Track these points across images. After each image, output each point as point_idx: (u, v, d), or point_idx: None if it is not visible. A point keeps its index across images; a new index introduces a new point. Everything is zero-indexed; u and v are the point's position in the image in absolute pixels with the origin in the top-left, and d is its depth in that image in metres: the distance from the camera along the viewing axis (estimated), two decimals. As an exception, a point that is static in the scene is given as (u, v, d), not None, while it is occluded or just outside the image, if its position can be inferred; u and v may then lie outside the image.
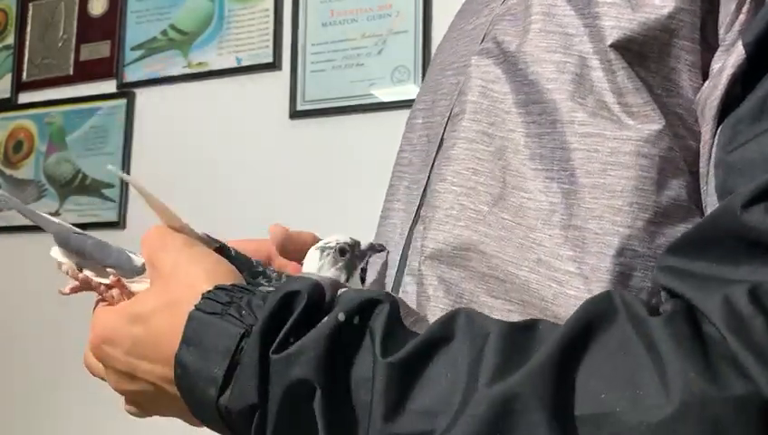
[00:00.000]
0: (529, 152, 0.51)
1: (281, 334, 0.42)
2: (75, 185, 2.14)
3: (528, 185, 0.50)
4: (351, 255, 0.55)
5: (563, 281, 0.47)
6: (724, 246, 0.38)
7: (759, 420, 0.33)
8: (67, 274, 0.59)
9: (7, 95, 2.29)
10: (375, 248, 0.57)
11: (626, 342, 0.37)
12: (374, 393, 0.39)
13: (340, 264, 0.54)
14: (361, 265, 0.56)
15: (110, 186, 2.08)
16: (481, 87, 0.54)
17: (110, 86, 2.13)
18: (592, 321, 0.38)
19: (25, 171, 2.23)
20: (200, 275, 0.48)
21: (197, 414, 0.46)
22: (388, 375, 0.40)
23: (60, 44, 2.24)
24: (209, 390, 0.44)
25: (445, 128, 0.57)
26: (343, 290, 0.45)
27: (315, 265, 0.54)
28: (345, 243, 0.55)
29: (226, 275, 0.49)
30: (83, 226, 2.12)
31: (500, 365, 0.38)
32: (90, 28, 2.19)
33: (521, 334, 0.40)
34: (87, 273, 0.59)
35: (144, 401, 0.53)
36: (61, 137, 2.19)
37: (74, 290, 0.60)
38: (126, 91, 2.10)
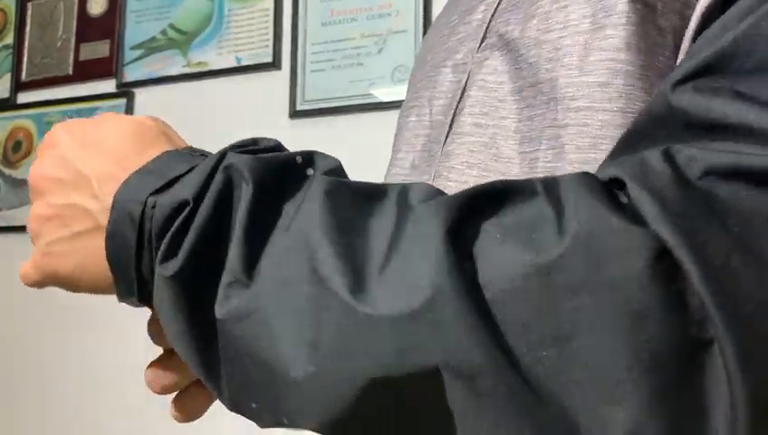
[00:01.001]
0: (519, 136, 0.50)
1: (252, 148, 0.41)
2: (75, 185, 2.14)
3: (513, 170, 0.50)
4: None
5: None
6: (656, 136, 0.36)
7: (646, 259, 0.30)
8: None
9: (6, 95, 2.29)
10: None
11: (532, 196, 0.35)
12: (305, 203, 0.37)
13: None
14: None
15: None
16: (480, 80, 0.54)
17: (109, 86, 2.13)
18: (507, 188, 0.36)
19: (25, 171, 2.23)
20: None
21: (113, 226, 0.41)
22: (325, 192, 0.37)
23: (59, 44, 2.24)
24: (143, 190, 0.40)
25: (449, 128, 0.56)
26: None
27: None
28: None
29: None
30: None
31: (420, 199, 0.37)
32: (89, 28, 2.19)
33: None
34: None
35: (57, 197, 0.44)
36: (60, 137, 2.19)
37: None
38: (125, 91, 2.10)
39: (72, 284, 0.46)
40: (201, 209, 0.38)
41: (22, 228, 2.19)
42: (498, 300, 0.32)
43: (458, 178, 0.52)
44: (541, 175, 0.48)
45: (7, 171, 2.26)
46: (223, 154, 0.40)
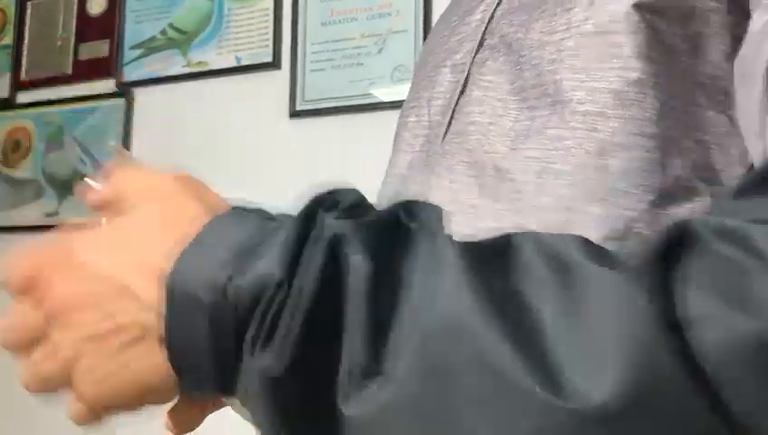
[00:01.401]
0: (513, 134, 0.50)
1: (333, 211, 0.34)
2: (74, 185, 2.14)
3: (511, 166, 0.49)
4: None
5: None
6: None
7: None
8: None
9: (6, 95, 2.28)
10: None
11: (722, 255, 0.30)
12: (442, 269, 0.32)
13: None
14: None
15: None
16: (479, 80, 0.54)
17: (109, 85, 2.13)
18: (682, 237, 0.31)
19: (24, 171, 2.23)
20: (217, 205, 0.39)
21: (176, 320, 0.34)
22: (462, 257, 0.32)
23: (59, 44, 2.23)
24: (214, 270, 0.33)
25: (447, 127, 0.56)
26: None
27: None
28: None
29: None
30: (82, 225, 2.13)
31: (591, 259, 0.31)
32: (88, 27, 2.19)
33: (599, 247, 0.33)
34: None
35: (89, 314, 0.37)
36: (59, 136, 2.18)
37: None
38: (125, 91, 2.10)
39: (132, 402, 0.39)
40: (301, 288, 0.32)
41: (22, 228, 2.19)
42: (723, 377, 0.27)
43: (458, 179, 0.52)
44: (535, 172, 0.47)
45: (6, 171, 2.26)
46: (308, 217, 0.34)
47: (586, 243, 0.32)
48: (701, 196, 0.46)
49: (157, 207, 0.38)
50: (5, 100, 2.28)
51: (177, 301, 0.34)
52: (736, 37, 0.46)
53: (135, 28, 2.12)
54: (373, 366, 0.31)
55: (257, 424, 0.35)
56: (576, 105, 0.47)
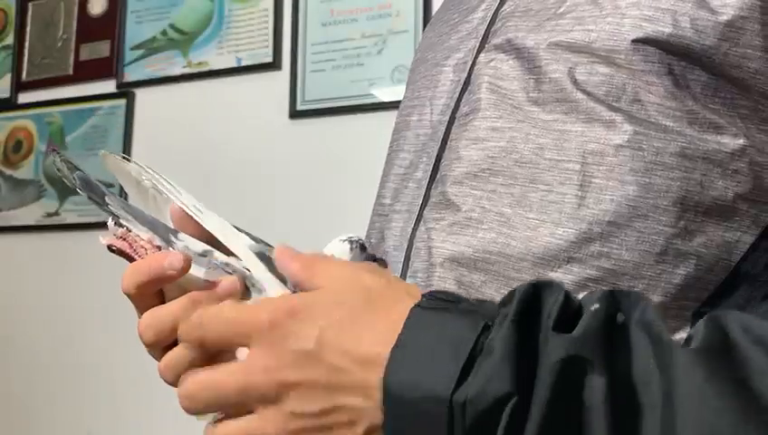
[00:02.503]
0: (543, 142, 0.50)
1: (546, 317, 0.35)
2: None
3: (547, 177, 0.49)
4: (367, 254, 0.55)
5: (599, 279, 0.47)
6: None
7: None
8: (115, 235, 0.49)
9: (7, 95, 2.29)
10: (374, 257, 0.57)
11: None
12: (676, 383, 0.32)
13: (362, 257, 0.55)
14: None
15: (109, 186, 2.07)
16: (489, 83, 0.53)
17: (109, 86, 2.13)
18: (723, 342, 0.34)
19: (25, 171, 2.23)
20: (411, 290, 0.40)
21: (401, 425, 0.35)
22: (695, 362, 0.33)
23: (59, 44, 2.24)
24: (438, 386, 0.34)
25: (447, 126, 0.56)
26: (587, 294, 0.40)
27: (347, 256, 0.54)
28: (362, 240, 0.55)
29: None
30: (83, 226, 2.12)
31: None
32: (89, 28, 2.19)
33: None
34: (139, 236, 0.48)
35: (308, 404, 0.37)
36: (60, 137, 2.19)
37: (113, 246, 0.48)
38: (126, 91, 2.10)
39: None
40: (537, 406, 0.33)
41: (22, 228, 2.19)
42: None
43: (483, 187, 0.52)
44: (576, 185, 0.48)
45: (7, 171, 2.26)
46: (523, 325, 0.34)
47: None
48: (738, 215, 0.48)
49: (360, 290, 0.39)
50: (7, 100, 2.28)
51: (401, 410, 0.35)
52: None
53: (135, 29, 2.12)
54: None
55: None
56: (620, 125, 0.48)
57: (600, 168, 0.48)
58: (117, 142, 2.07)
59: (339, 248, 0.54)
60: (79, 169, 0.51)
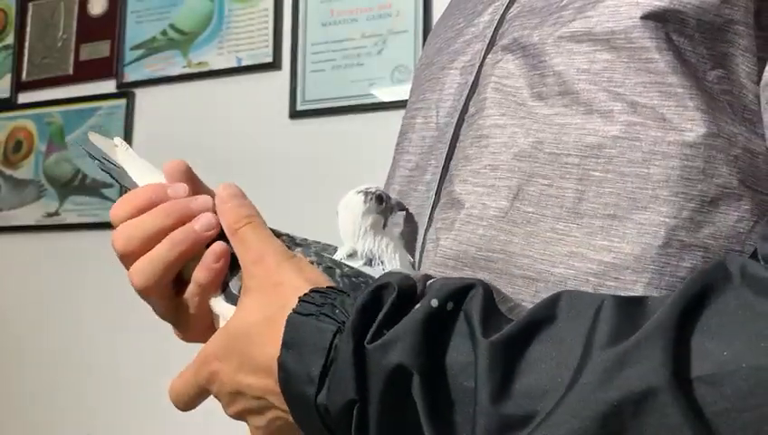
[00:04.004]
0: (542, 136, 0.50)
1: (374, 326, 0.42)
2: (75, 185, 2.14)
3: (547, 171, 0.49)
4: (386, 205, 0.55)
5: (600, 273, 0.47)
6: None
7: None
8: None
9: (7, 95, 2.29)
10: (401, 206, 0.57)
11: (745, 304, 0.36)
12: (478, 375, 0.39)
13: (380, 209, 0.54)
14: (390, 218, 0.55)
15: (109, 186, 2.08)
16: (494, 83, 0.53)
17: (109, 86, 2.13)
18: (706, 287, 0.38)
19: (25, 171, 2.23)
20: (302, 287, 0.47)
21: (300, 420, 0.45)
22: (491, 355, 0.39)
23: (59, 44, 2.24)
24: (308, 390, 0.43)
25: (455, 128, 0.56)
26: (432, 280, 0.45)
27: (360, 208, 0.54)
28: (381, 190, 0.55)
29: (325, 282, 0.49)
30: (83, 226, 2.13)
31: (613, 332, 0.37)
32: (89, 28, 2.19)
33: (630, 305, 0.39)
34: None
35: (257, 420, 0.50)
36: (60, 137, 2.19)
37: None
38: (126, 91, 2.10)
39: None
40: (372, 407, 0.41)
41: (22, 228, 2.19)
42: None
43: (484, 183, 0.52)
44: (576, 179, 0.48)
45: (7, 171, 2.26)
46: (358, 336, 0.42)
47: (617, 306, 0.40)
48: (746, 203, 0.47)
49: (257, 300, 0.49)
50: (7, 100, 2.28)
51: (294, 409, 0.45)
52: (762, 59, 0.47)
53: (135, 29, 2.12)
54: None
55: None
56: (617, 115, 0.48)
57: (599, 160, 0.48)
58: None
59: (354, 200, 0.54)
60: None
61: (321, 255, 0.52)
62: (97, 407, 2.02)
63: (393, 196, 0.60)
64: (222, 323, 0.51)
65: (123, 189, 0.55)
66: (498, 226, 0.50)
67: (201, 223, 0.51)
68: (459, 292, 0.42)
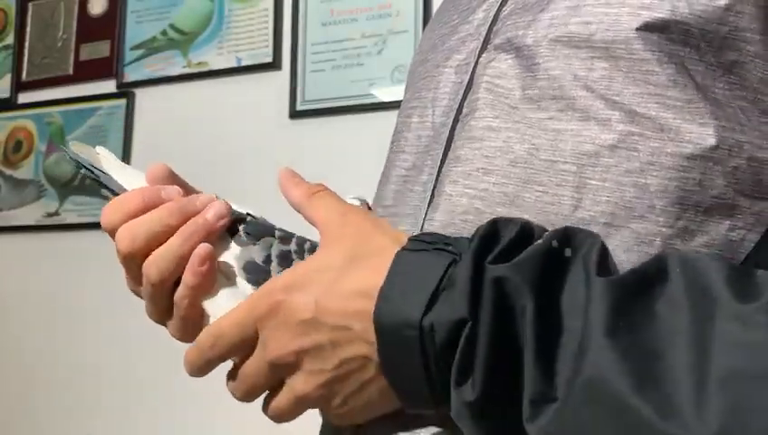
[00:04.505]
0: (538, 142, 0.50)
1: (496, 250, 0.41)
2: (75, 185, 2.14)
3: (542, 178, 0.49)
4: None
5: None
6: None
7: None
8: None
9: (7, 95, 2.29)
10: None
11: None
12: (591, 310, 0.38)
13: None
14: None
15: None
16: (487, 83, 0.53)
17: (109, 86, 2.13)
18: None
19: (25, 171, 2.23)
20: (399, 237, 0.46)
21: (390, 354, 0.42)
22: (606, 293, 0.38)
23: (59, 44, 2.24)
24: (413, 310, 0.41)
25: (451, 129, 0.56)
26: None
27: None
28: (367, 203, 0.56)
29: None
30: (83, 226, 2.13)
31: (732, 293, 0.37)
32: (89, 28, 2.19)
33: (741, 273, 0.39)
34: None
35: (322, 362, 0.45)
36: (60, 137, 2.19)
37: None
38: (126, 91, 2.10)
39: (369, 416, 0.48)
40: (483, 329, 0.40)
41: (22, 228, 2.19)
42: None
43: (476, 186, 0.51)
44: (573, 186, 0.48)
45: (7, 171, 2.26)
46: (477, 258, 0.41)
47: (730, 269, 0.39)
48: (740, 212, 0.47)
49: (349, 243, 0.46)
50: (7, 100, 2.28)
51: (391, 342, 0.42)
52: None
53: (135, 28, 2.12)
54: (549, 393, 0.38)
55: None
56: (615, 124, 0.48)
57: (596, 169, 0.48)
58: (117, 142, 2.07)
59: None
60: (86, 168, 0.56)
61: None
62: (97, 407, 2.01)
63: (389, 195, 0.59)
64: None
65: (111, 195, 0.55)
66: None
67: (213, 211, 0.51)
68: (579, 240, 0.43)
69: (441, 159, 0.55)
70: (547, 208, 0.48)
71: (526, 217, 0.49)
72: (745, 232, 0.47)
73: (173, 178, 0.55)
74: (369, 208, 0.55)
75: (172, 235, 0.50)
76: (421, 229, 0.54)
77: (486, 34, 0.55)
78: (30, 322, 2.15)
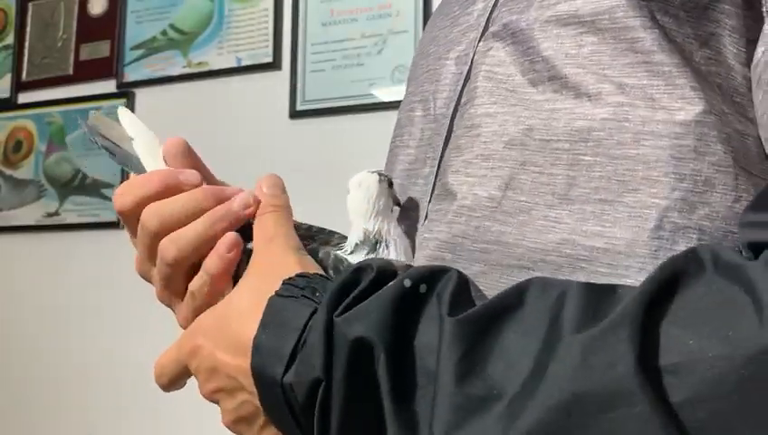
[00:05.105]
0: (531, 123, 0.49)
1: (346, 300, 0.42)
2: (75, 185, 2.14)
3: (537, 158, 0.48)
4: (394, 191, 0.56)
5: (592, 259, 0.45)
6: None
7: None
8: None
9: (7, 95, 2.29)
10: (397, 201, 0.57)
11: (716, 291, 0.36)
12: (442, 353, 0.38)
13: (391, 193, 0.55)
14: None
15: (109, 186, 2.08)
16: (485, 71, 0.53)
17: (109, 86, 2.13)
18: (676, 275, 0.37)
19: (25, 171, 2.23)
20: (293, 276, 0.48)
21: (267, 403, 0.44)
22: (457, 334, 0.38)
23: (59, 44, 2.24)
24: (276, 367, 0.42)
25: (451, 119, 0.56)
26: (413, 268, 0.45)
27: (375, 188, 0.53)
28: (390, 177, 0.55)
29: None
30: (83, 226, 2.13)
31: (580, 320, 0.37)
32: (89, 28, 2.19)
33: (599, 292, 0.39)
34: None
35: (228, 403, 0.49)
36: (60, 137, 2.19)
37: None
38: (126, 91, 2.10)
39: None
40: (336, 387, 0.40)
41: (22, 228, 2.19)
42: (689, 400, 0.33)
43: (475, 173, 0.51)
44: (566, 164, 0.47)
45: (8, 171, 2.26)
46: (329, 313, 0.42)
47: (584, 296, 0.39)
48: (743, 183, 0.45)
49: (255, 282, 0.49)
50: (7, 100, 2.28)
51: (263, 392, 0.44)
52: (751, 41, 0.46)
53: (135, 28, 2.12)
54: None
55: None
56: (606, 97, 0.47)
57: (588, 144, 0.47)
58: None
59: (369, 179, 0.54)
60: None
61: (329, 253, 0.52)
62: (97, 407, 2.02)
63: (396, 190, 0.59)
64: None
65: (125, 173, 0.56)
66: (491, 216, 0.49)
67: (239, 201, 0.51)
68: (434, 276, 0.42)
69: (442, 150, 0.55)
70: (543, 189, 0.48)
71: (523, 199, 0.48)
72: None
73: (190, 155, 0.56)
74: (391, 184, 0.54)
75: (201, 216, 0.51)
76: (425, 221, 0.55)
77: (485, 24, 0.55)
78: (30, 322, 2.15)
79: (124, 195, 0.52)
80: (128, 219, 0.52)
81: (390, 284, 0.42)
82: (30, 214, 2.19)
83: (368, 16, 1.84)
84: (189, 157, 0.55)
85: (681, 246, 0.44)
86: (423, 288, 0.41)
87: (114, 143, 0.55)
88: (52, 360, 2.09)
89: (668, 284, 0.37)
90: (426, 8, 1.78)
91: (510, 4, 0.54)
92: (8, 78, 2.30)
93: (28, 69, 2.28)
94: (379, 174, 0.54)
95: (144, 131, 0.57)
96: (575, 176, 0.47)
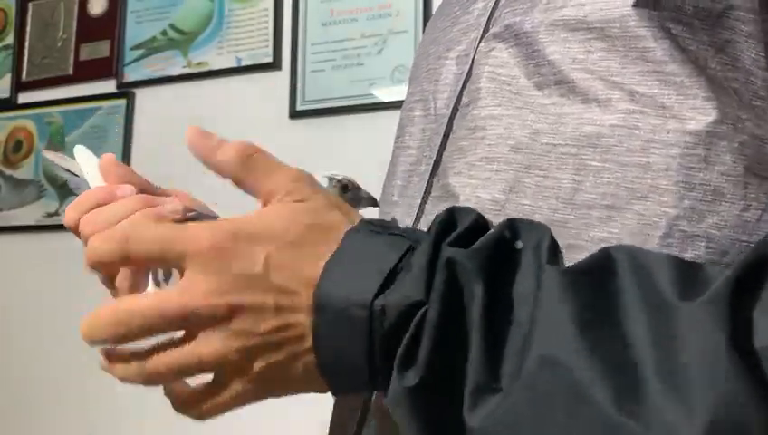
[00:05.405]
0: (539, 126, 0.49)
1: (453, 236, 0.39)
2: (75, 185, 2.15)
3: (543, 162, 0.48)
4: (352, 194, 0.54)
5: None
6: None
7: None
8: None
9: (7, 95, 2.29)
10: (371, 201, 0.55)
11: None
12: (542, 299, 0.36)
13: (343, 197, 0.53)
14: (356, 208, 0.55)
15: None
16: (489, 72, 0.52)
17: (109, 86, 2.13)
18: (763, 258, 0.35)
19: (25, 171, 2.23)
20: (349, 213, 0.44)
21: (329, 330, 0.38)
22: (561, 282, 0.36)
23: (59, 44, 2.24)
24: (364, 292, 0.38)
25: (450, 119, 0.55)
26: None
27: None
28: (349, 180, 0.54)
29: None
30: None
31: (679, 293, 0.35)
32: (89, 28, 2.19)
33: (690, 269, 0.37)
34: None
35: (255, 325, 0.39)
36: (60, 137, 2.19)
37: None
38: (126, 91, 2.10)
39: (284, 394, 0.43)
40: (431, 313, 0.37)
41: (22, 228, 2.19)
42: None
43: (479, 175, 0.50)
44: (573, 169, 0.47)
45: (7, 171, 2.26)
46: (436, 245, 0.39)
47: (677, 267, 0.36)
48: (753, 192, 0.45)
49: (304, 210, 0.43)
50: (7, 100, 2.28)
51: (328, 316, 0.38)
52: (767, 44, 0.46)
53: (135, 28, 2.12)
54: (492, 385, 0.36)
55: (401, 425, 0.40)
56: (616, 104, 0.47)
57: (597, 150, 0.46)
58: (117, 142, 2.07)
59: (321, 183, 0.53)
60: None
61: None
62: (97, 407, 2.01)
63: (396, 191, 0.59)
64: None
65: None
66: (493, 219, 0.48)
67: (168, 207, 0.52)
68: (530, 229, 0.41)
69: (438, 150, 0.55)
70: (547, 193, 0.47)
71: (527, 203, 0.48)
72: (761, 212, 0.45)
73: (122, 167, 0.56)
74: (345, 187, 0.54)
75: None
76: (415, 221, 0.54)
77: (486, 24, 0.55)
78: (29, 321, 2.15)
79: (68, 211, 0.53)
80: (77, 235, 0.54)
81: (492, 231, 0.40)
82: (30, 214, 2.19)
83: (368, 16, 1.84)
84: (121, 168, 0.56)
85: (689, 255, 0.44)
86: (519, 244, 0.40)
87: (72, 172, 0.58)
88: (51, 360, 2.09)
89: (759, 266, 0.35)
90: (426, 8, 1.78)
91: (512, 5, 0.53)
92: (8, 78, 2.30)
93: (28, 69, 2.28)
94: (331, 178, 0.53)
95: (95, 165, 0.59)
96: (581, 181, 0.47)
